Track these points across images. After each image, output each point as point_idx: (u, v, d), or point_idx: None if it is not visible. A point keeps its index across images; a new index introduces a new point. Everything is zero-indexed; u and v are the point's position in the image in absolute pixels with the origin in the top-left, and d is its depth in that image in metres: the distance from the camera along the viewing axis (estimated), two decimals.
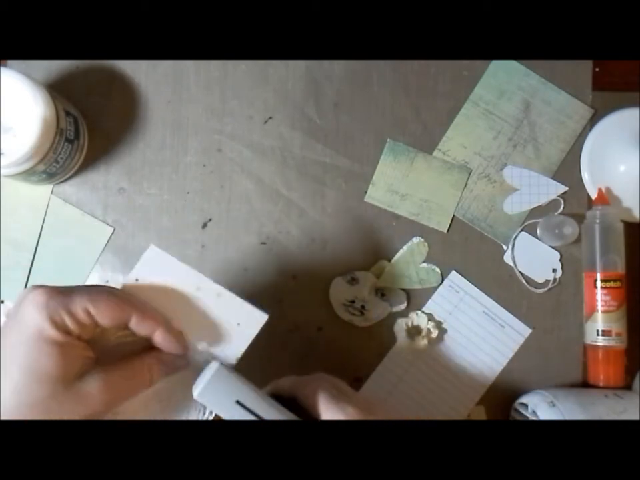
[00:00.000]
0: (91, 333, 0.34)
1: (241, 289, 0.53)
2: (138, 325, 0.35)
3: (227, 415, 0.35)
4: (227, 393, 0.35)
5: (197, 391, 0.35)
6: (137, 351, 0.37)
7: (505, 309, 0.54)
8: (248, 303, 0.39)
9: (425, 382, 0.53)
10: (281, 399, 0.38)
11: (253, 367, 0.52)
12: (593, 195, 0.53)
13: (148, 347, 0.37)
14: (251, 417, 0.34)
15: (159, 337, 0.36)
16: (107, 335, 0.37)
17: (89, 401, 0.32)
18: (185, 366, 0.38)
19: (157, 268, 0.38)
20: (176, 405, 0.38)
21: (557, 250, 0.54)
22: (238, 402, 0.34)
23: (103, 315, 0.34)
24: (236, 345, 0.39)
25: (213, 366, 0.36)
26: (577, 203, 0.54)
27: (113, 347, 0.37)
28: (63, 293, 0.33)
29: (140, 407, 0.37)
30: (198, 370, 0.37)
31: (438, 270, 0.54)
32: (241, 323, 0.39)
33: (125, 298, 0.35)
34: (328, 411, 0.36)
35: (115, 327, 0.35)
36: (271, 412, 0.35)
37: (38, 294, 0.33)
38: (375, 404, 0.42)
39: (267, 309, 0.40)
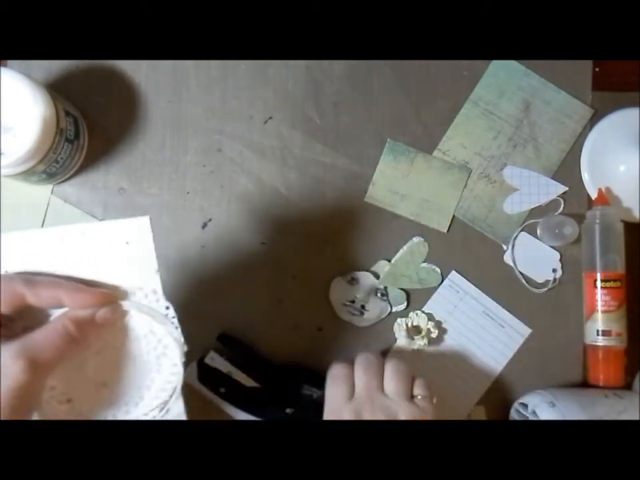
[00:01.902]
0: None
1: (241, 289, 0.53)
2: (36, 298, 0.33)
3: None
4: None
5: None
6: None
7: (505, 308, 0.54)
8: (118, 220, 0.37)
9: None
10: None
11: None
12: (593, 195, 0.53)
13: None
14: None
15: (67, 300, 0.34)
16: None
17: (4, 374, 0.31)
18: (116, 312, 0.36)
19: (17, 250, 0.36)
20: (126, 390, 0.37)
21: (557, 250, 0.54)
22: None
23: None
24: (143, 262, 0.37)
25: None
26: (577, 202, 0.54)
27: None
28: None
29: (91, 391, 0.36)
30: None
31: (438, 270, 0.54)
32: (130, 241, 0.36)
33: (11, 277, 0.34)
34: None
35: (16, 309, 0.34)
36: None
37: None
38: None
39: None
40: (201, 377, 0.49)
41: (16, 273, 0.35)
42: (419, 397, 0.45)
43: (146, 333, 0.37)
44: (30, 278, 0.34)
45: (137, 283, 0.36)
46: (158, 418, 0.37)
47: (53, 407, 0.36)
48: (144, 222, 0.36)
